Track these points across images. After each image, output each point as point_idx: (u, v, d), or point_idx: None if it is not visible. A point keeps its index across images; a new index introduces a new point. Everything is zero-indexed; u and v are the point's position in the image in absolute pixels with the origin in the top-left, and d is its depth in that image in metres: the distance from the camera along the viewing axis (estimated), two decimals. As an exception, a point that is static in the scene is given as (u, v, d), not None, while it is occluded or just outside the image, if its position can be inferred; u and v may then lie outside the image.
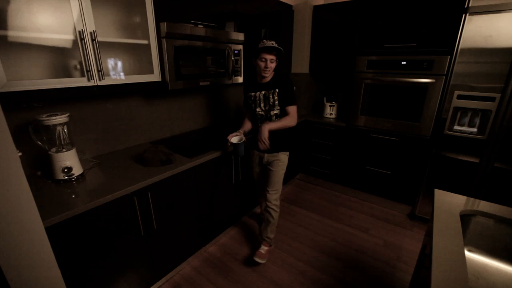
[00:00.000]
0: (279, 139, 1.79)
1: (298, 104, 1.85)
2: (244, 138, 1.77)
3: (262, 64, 1.66)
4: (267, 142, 1.69)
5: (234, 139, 1.75)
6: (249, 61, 2.29)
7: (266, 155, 1.85)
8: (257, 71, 1.74)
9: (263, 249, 1.91)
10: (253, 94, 1.79)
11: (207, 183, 1.84)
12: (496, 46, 1.76)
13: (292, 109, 1.75)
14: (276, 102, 1.74)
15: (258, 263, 1.86)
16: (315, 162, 3.02)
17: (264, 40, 1.65)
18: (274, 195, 1.88)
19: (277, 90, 1.73)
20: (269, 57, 1.64)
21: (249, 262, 1.91)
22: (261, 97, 1.77)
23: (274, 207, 1.88)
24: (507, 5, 1.67)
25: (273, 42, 1.63)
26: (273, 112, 1.77)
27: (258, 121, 1.83)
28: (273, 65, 1.68)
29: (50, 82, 1.21)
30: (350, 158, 2.72)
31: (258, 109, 1.79)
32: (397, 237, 2.22)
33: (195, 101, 2.35)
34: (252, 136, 1.87)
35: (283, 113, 1.77)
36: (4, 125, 0.76)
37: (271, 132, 1.72)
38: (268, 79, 1.75)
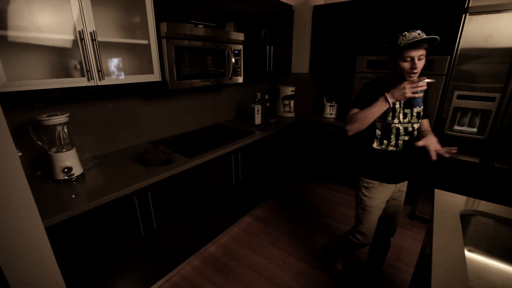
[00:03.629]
0: (413, 161, 1.40)
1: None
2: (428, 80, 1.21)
3: (406, 66, 1.19)
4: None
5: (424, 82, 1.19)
6: (249, 61, 2.31)
7: (398, 185, 1.42)
8: (398, 73, 1.24)
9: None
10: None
11: (207, 183, 1.84)
12: (496, 46, 1.76)
13: (427, 123, 1.40)
14: (421, 113, 1.32)
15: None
16: (315, 162, 3.02)
17: (406, 33, 1.17)
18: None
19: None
20: (416, 53, 1.16)
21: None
22: (402, 104, 1.29)
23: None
24: (507, 5, 1.67)
25: (419, 32, 1.15)
26: (416, 125, 1.32)
27: (392, 137, 1.32)
28: (422, 63, 1.19)
29: (50, 82, 1.21)
30: (350, 158, 2.72)
31: (396, 121, 1.30)
32: (397, 237, 2.21)
33: (195, 101, 2.35)
34: (382, 163, 1.37)
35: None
36: (4, 125, 0.76)
37: (407, 156, 1.36)
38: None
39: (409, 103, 1.26)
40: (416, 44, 1.14)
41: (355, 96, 1.42)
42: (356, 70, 2.46)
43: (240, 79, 2.20)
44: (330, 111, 2.89)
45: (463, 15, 1.82)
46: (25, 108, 1.39)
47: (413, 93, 1.17)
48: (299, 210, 2.61)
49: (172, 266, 1.76)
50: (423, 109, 1.34)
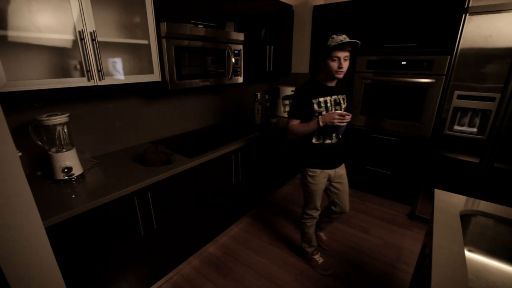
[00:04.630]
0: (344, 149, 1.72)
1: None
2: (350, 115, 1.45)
3: (335, 65, 1.41)
4: None
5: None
6: (249, 61, 2.31)
7: (337, 169, 1.69)
8: (326, 72, 1.48)
9: (324, 234, 2.05)
10: (322, 99, 1.50)
11: (207, 183, 1.84)
12: (496, 46, 1.76)
13: None
14: (345, 109, 1.55)
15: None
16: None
17: (333, 36, 1.40)
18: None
19: (344, 96, 1.58)
20: (342, 54, 1.38)
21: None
22: (332, 102, 1.52)
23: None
24: (507, 5, 1.67)
25: (345, 36, 1.38)
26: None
27: (329, 133, 1.57)
28: (347, 64, 1.42)
29: (50, 82, 1.21)
30: (350, 158, 2.72)
31: None
32: (397, 237, 2.22)
33: (195, 101, 2.35)
34: (321, 154, 1.62)
35: None
36: (4, 125, 0.76)
37: (340, 147, 1.66)
38: (334, 82, 1.53)
39: (335, 129, 1.53)
40: (342, 46, 1.37)
41: (290, 104, 1.63)
42: (356, 70, 2.46)
43: (240, 79, 2.20)
44: (330, 111, 2.89)
45: (463, 15, 1.82)
46: (25, 108, 1.39)
47: (340, 122, 1.42)
48: (299, 210, 2.60)
49: (172, 266, 1.76)
50: (347, 106, 1.63)
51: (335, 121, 1.42)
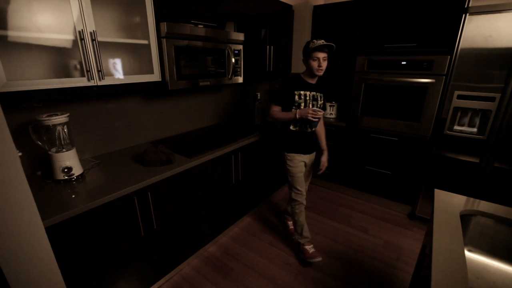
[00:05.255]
0: (316, 139, 1.98)
1: None
2: (322, 112, 1.74)
3: (315, 64, 1.68)
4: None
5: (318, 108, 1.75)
6: (249, 61, 2.31)
7: (310, 155, 1.96)
8: (308, 70, 1.74)
9: (292, 224, 2.12)
10: (302, 92, 1.76)
11: (207, 183, 1.84)
12: (496, 46, 1.76)
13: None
14: (321, 106, 1.82)
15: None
16: (315, 162, 3.01)
17: (314, 40, 1.67)
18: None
19: (322, 95, 1.82)
20: (321, 55, 1.66)
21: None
22: (311, 97, 1.78)
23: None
24: (507, 5, 1.67)
25: (323, 41, 1.66)
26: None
27: (305, 123, 1.81)
28: (325, 63, 1.70)
29: (50, 82, 1.21)
30: (350, 158, 2.72)
31: None
32: (397, 237, 2.22)
33: (195, 101, 2.35)
34: (297, 140, 1.87)
35: None
36: (4, 125, 0.76)
37: (313, 135, 1.92)
38: (316, 80, 1.79)
39: (309, 122, 1.75)
40: (321, 48, 1.64)
41: (275, 91, 1.88)
42: (356, 70, 2.46)
43: (240, 79, 2.20)
44: (330, 111, 2.89)
45: (463, 15, 1.82)
46: (25, 108, 1.39)
47: (313, 117, 1.67)
48: (299, 210, 2.61)
49: (172, 266, 1.76)
50: (323, 104, 1.87)
51: (309, 115, 1.67)
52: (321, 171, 2.04)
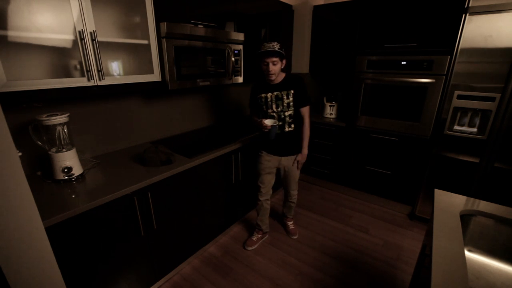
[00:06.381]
0: (295, 141, 1.87)
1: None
2: (277, 122, 1.74)
3: (265, 68, 1.66)
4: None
5: (268, 121, 1.72)
6: (249, 61, 2.31)
7: (283, 158, 1.88)
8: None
9: (291, 224, 2.25)
10: (263, 95, 1.77)
11: (207, 183, 1.84)
12: (496, 46, 1.76)
13: (307, 111, 1.80)
14: (292, 104, 1.75)
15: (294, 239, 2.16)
16: (315, 162, 3.02)
17: (265, 43, 1.63)
18: (296, 191, 2.09)
19: (292, 91, 1.73)
20: (270, 60, 1.62)
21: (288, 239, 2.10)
22: (273, 98, 1.75)
23: (295, 199, 2.14)
24: (507, 5, 1.67)
25: (274, 44, 1.60)
26: (287, 113, 1.77)
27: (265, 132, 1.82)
28: (276, 67, 1.65)
29: (50, 82, 1.21)
30: (350, 158, 2.72)
31: (270, 111, 1.78)
32: (397, 237, 2.22)
33: (195, 101, 2.35)
34: (263, 138, 1.88)
35: (297, 114, 1.80)
36: (4, 125, 0.76)
37: (290, 136, 1.83)
38: (279, 80, 1.73)
39: (268, 134, 1.74)
40: (268, 53, 1.59)
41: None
42: (356, 70, 2.46)
43: (240, 79, 2.20)
44: (330, 111, 2.89)
45: (463, 15, 1.82)
46: (25, 108, 1.39)
47: (263, 129, 1.71)
48: (299, 210, 2.61)
49: (172, 266, 1.76)
50: (295, 100, 1.76)
51: (263, 128, 1.72)
52: (293, 164, 1.92)
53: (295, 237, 2.18)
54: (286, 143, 1.84)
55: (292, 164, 1.92)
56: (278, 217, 2.49)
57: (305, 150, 1.88)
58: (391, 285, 1.75)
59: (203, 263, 1.93)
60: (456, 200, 1.16)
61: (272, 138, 1.77)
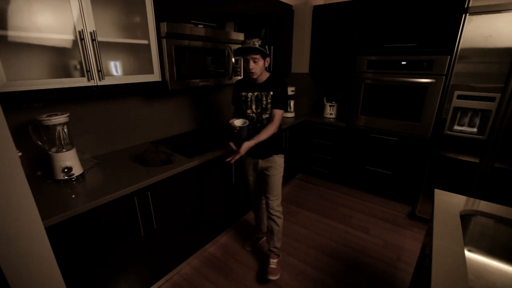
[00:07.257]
0: (272, 143, 1.66)
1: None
2: (247, 122, 1.59)
3: (246, 66, 1.54)
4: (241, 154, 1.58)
5: (237, 122, 1.59)
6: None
7: (260, 160, 1.72)
8: None
9: (273, 263, 1.80)
10: (244, 94, 1.65)
11: (207, 183, 1.84)
12: (496, 46, 1.76)
13: (278, 114, 1.59)
14: (269, 106, 1.60)
15: (272, 280, 1.75)
16: (315, 162, 3.02)
17: (246, 40, 1.50)
18: (276, 201, 1.76)
19: (271, 92, 1.58)
20: (250, 57, 1.49)
21: (263, 280, 1.77)
22: (253, 98, 1.63)
23: (277, 213, 1.77)
24: (507, 5, 1.67)
25: (255, 40, 1.47)
26: (264, 116, 1.63)
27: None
28: (258, 66, 1.51)
29: (50, 82, 1.21)
30: (350, 158, 2.72)
31: (249, 111, 1.65)
32: (397, 237, 2.22)
33: (195, 101, 2.35)
34: (234, 140, 1.69)
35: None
36: (4, 125, 0.76)
37: (267, 139, 1.62)
38: (263, 79, 1.60)
39: (238, 135, 1.59)
40: (248, 49, 1.46)
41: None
42: (356, 70, 2.46)
43: (240, 79, 2.20)
44: (330, 111, 2.90)
45: (463, 15, 1.82)
46: (25, 108, 1.39)
47: (234, 130, 1.56)
48: (299, 210, 2.61)
49: (172, 266, 1.76)
50: (272, 103, 1.61)
51: (232, 128, 1.58)
52: (229, 147, 1.63)
53: (274, 277, 1.75)
54: (262, 146, 1.61)
55: (268, 167, 1.72)
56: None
57: (251, 142, 1.53)
58: (391, 285, 1.75)
59: (203, 263, 1.93)
60: (456, 200, 1.16)
61: (244, 137, 1.59)
